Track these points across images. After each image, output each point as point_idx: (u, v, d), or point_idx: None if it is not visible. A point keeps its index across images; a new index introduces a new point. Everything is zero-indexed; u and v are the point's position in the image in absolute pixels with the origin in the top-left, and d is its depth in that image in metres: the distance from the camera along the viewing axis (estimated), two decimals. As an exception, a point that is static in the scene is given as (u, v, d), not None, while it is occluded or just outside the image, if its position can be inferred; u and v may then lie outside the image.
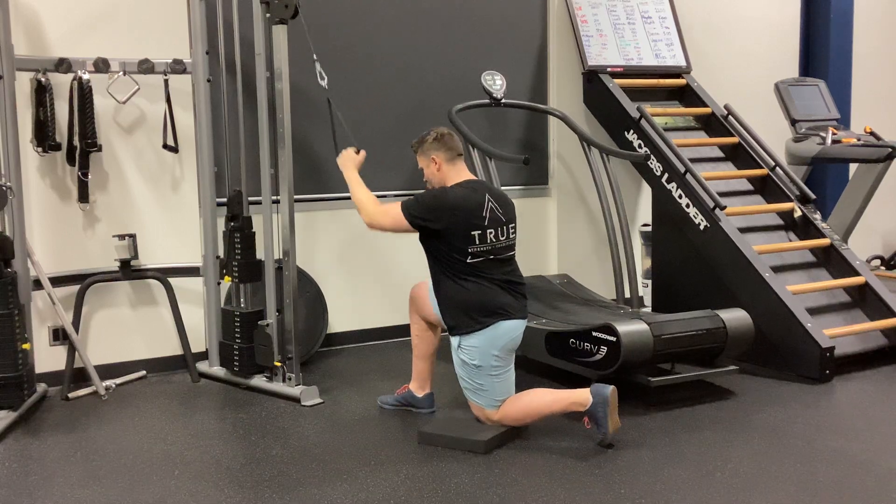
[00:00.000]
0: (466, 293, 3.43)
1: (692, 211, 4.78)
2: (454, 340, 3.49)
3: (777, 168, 5.19)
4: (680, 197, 4.85)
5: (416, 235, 3.56)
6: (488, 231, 3.45)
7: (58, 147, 4.21)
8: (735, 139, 5.32)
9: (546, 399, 3.47)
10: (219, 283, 4.43)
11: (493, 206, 3.49)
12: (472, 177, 3.62)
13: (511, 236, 3.55)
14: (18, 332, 3.82)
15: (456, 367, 3.53)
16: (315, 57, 4.02)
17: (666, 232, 5.18)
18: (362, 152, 3.81)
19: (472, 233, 3.42)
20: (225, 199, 4.41)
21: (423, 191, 3.59)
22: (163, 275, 4.46)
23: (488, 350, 3.42)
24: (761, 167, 5.21)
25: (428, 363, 3.83)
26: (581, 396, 3.37)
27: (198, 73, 4.40)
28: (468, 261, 3.42)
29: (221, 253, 4.41)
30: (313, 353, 4.75)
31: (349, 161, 3.77)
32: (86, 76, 4.19)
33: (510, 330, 3.46)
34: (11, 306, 3.78)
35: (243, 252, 4.25)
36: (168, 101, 4.39)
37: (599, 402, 3.31)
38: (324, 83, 4.02)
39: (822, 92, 6.11)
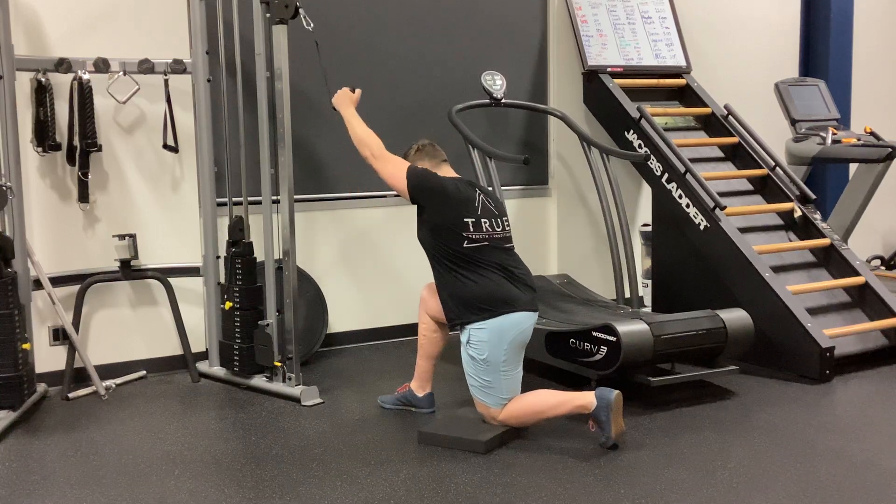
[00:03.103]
0: (471, 285, 3.44)
1: (692, 211, 4.78)
2: (463, 336, 3.49)
3: (777, 168, 5.19)
4: (680, 197, 4.85)
5: (415, 233, 3.59)
6: (482, 220, 3.49)
7: (58, 147, 4.21)
8: (735, 139, 5.32)
9: (551, 401, 3.47)
10: (222, 308, 4.39)
11: (484, 199, 3.56)
12: (459, 176, 3.69)
13: (506, 228, 3.59)
14: (18, 332, 3.82)
15: (464, 365, 3.53)
16: (298, 3, 3.96)
17: (666, 232, 5.17)
18: (358, 90, 3.77)
19: (466, 220, 3.46)
20: (225, 200, 4.42)
21: None
22: (163, 275, 4.46)
23: (498, 344, 3.42)
24: (761, 167, 5.20)
25: (431, 363, 3.83)
26: (586, 400, 3.37)
27: (198, 73, 4.40)
28: (465, 246, 3.45)
29: (222, 279, 4.41)
30: (313, 353, 4.75)
31: (346, 98, 3.76)
32: (86, 76, 4.19)
33: (518, 322, 3.45)
34: (11, 306, 3.78)
35: (244, 277, 4.25)
36: (168, 101, 4.39)
37: (603, 406, 3.32)
38: (310, 28, 3.98)
39: (822, 92, 6.11)
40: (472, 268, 3.46)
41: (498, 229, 3.54)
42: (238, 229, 4.29)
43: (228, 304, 4.29)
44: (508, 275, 3.50)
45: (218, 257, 4.47)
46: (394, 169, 3.57)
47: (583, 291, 5.03)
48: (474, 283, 3.44)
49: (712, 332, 3.97)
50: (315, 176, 4.93)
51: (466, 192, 3.54)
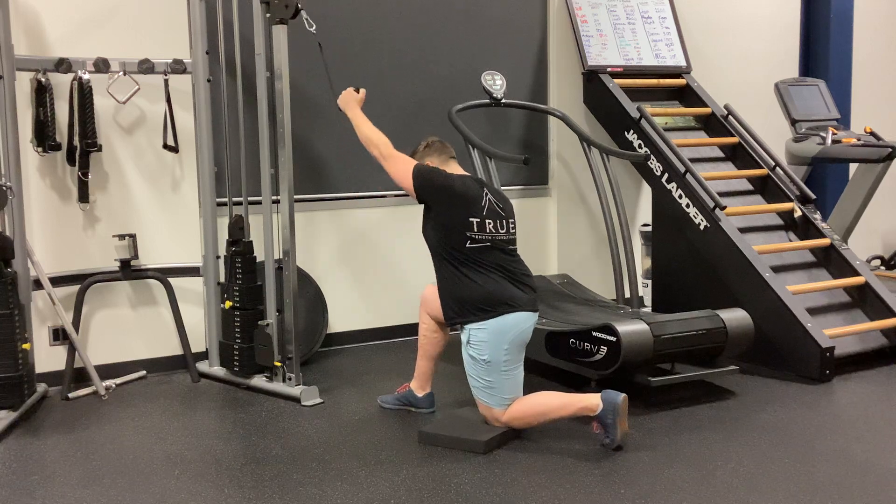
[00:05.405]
0: (472, 285, 3.44)
1: (692, 211, 4.78)
2: (463, 336, 3.49)
3: (777, 168, 5.19)
4: (680, 197, 4.85)
5: (419, 229, 3.59)
6: (487, 221, 3.48)
7: (58, 147, 4.21)
8: (735, 139, 5.32)
9: (555, 402, 3.46)
10: (222, 307, 4.38)
11: (491, 199, 3.54)
12: (468, 174, 3.68)
13: (511, 231, 3.57)
14: (18, 332, 3.82)
15: (465, 366, 3.52)
16: (298, 4, 3.95)
17: (666, 232, 5.17)
18: (362, 90, 3.76)
19: (471, 219, 3.45)
20: (225, 200, 4.43)
21: None
22: (163, 275, 4.46)
23: (498, 344, 3.42)
24: (761, 167, 5.21)
25: (432, 363, 3.83)
26: (591, 402, 3.36)
27: (198, 73, 4.40)
28: (467, 246, 3.44)
29: (222, 278, 4.41)
30: (313, 353, 4.75)
31: (351, 99, 3.74)
32: (86, 76, 4.19)
33: (518, 322, 3.45)
34: (11, 306, 3.78)
35: (244, 276, 4.25)
36: (168, 101, 4.39)
37: (610, 410, 3.31)
38: (312, 29, 3.99)
39: (822, 92, 6.11)
40: (473, 268, 3.45)
41: (502, 231, 3.53)
42: (238, 228, 4.29)
43: (228, 304, 4.29)
44: (509, 275, 3.50)
45: (218, 257, 4.47)
46: (401, 167, 3.57)
47: (583, 291, 5.04)
48: (475, 282, 3.44)
49: (712, 332, 3.97)
50: (315, 176, 4.93)
51: (474, 191, 3.53)
